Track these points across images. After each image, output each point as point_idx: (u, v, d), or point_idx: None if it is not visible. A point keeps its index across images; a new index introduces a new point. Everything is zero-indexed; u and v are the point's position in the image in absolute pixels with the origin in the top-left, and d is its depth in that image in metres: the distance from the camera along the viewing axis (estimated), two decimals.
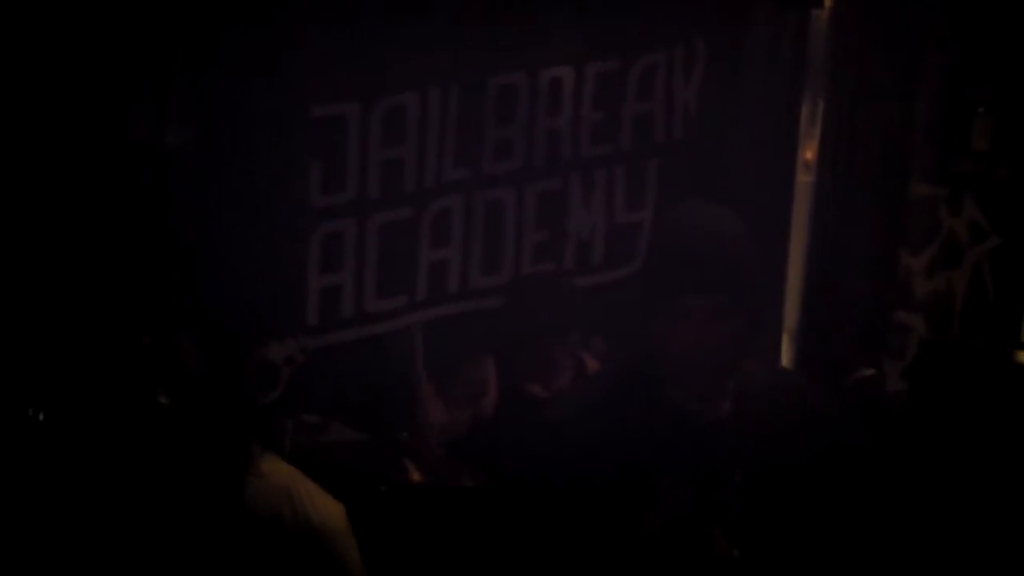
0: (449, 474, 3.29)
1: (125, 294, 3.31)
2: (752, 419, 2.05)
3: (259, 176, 3.66)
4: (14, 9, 3.26)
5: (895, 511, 3.43)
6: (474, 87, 3.97)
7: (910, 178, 5.04)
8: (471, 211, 4.04)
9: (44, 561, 2.05)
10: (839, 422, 2.20)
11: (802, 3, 4.65)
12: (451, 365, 3.83)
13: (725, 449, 2.02)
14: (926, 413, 4.75)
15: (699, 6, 4.38)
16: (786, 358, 4.98)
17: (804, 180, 5.05)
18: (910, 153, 5.02)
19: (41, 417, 2.50)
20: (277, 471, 2.08)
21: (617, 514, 1.95)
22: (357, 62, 3.74)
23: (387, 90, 3.81)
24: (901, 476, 3.84)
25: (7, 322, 3.21)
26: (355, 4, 3.73)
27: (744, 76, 4.50)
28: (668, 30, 4.30)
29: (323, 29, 3.68)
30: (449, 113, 3.94)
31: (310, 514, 2.10)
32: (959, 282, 5.27)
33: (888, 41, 4.88)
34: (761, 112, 4.57)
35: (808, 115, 5.00)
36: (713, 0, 4.42)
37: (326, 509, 2.11)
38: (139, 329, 2.27)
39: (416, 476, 3.09)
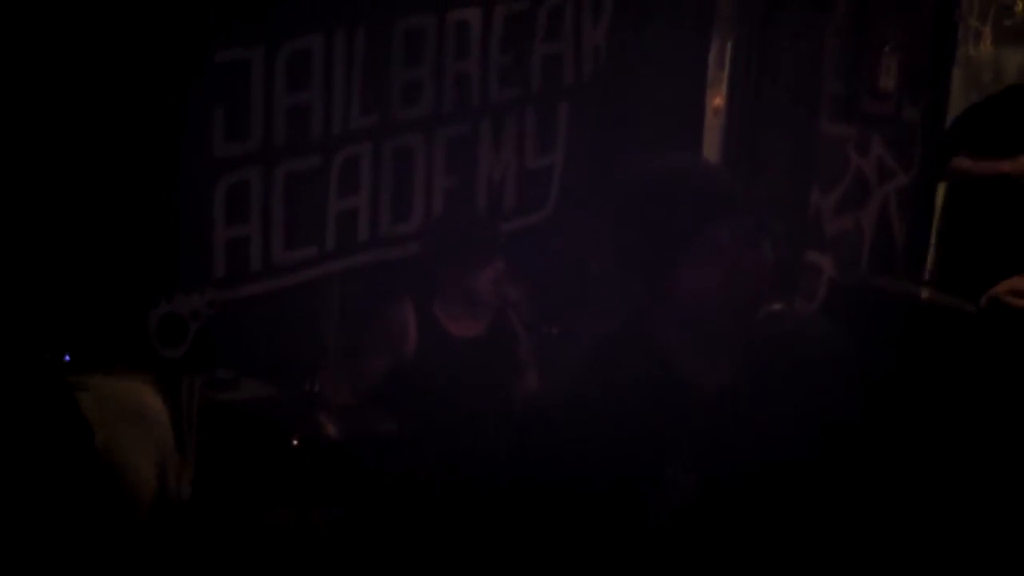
0: (364, 424, 3.25)
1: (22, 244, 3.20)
2: (760, 388, 1.93)
3: (160, 124, 3.54)
4: None
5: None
6: (380, 30, 3.88)
7: (819, 118, 5.07)
8: (380, 158, 3.96)
9: None
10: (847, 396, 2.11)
11: None
12: (368, 310, 3.78)
13: (734, 425, 1.88)
14: (838, 351, 4.78)
15: None
16: None
17: (714, 122, 5.05)
18: (819, 93, 5.04)
19: None
20: (100, 383, 2.02)
21: (620, 502, 1.81)
22: (260, 5, 3.62)
23: (291, 33, 3.71)
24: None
25: None
26: None
27: (653, 16, 4.46)
28: None
29: None
30: (355, 57, 3.85)
31: (123, 403, 2.04)
32: (867, 221, 5.33)
33: None
34: (670, 54, 4.54)
35: (716, 57, 5.00)
36: None
37: (130, 390, 2.07)
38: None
39: (330, 428, 3.04)
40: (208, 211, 3.66)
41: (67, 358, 2.85)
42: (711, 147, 4.96)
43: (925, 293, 4.91)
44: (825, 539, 1.97)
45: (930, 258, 5.41)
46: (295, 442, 2.63)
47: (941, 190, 5.11)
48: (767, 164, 5.01)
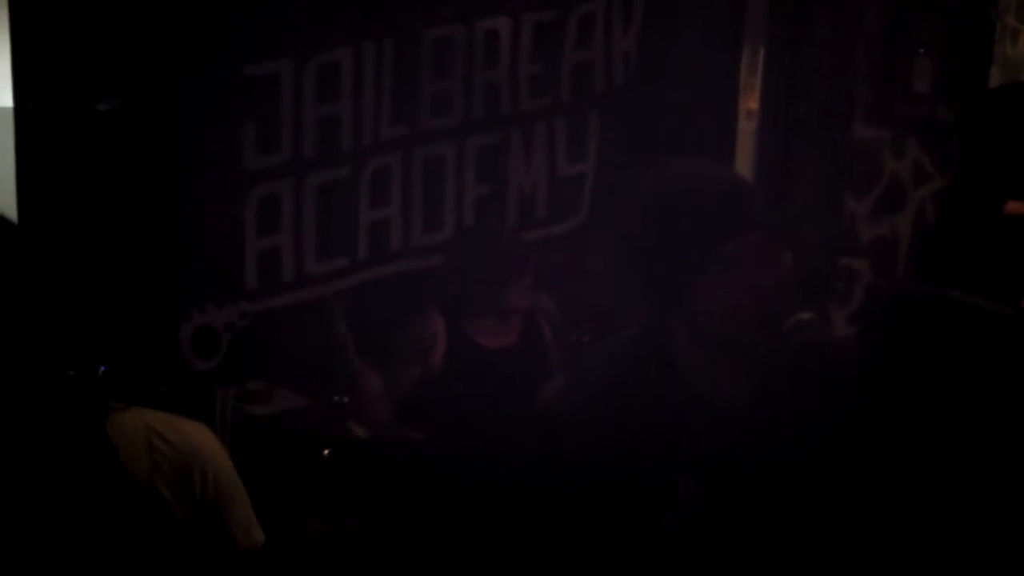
0: (395, 434, 3.25)
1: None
2: (771, 400, 1.91)
3: (192, 138, 3.56)
4: None
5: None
6: (409, 41, 3.88)
7: (853, 122, 5.03)
8: (410, 168, 3.96)
9: None
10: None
11: None
12: (397, 322, 3.77)
13: (749, 436, 1.87)
14: (876, 357, 4.75)
15: None
16: None
17: (747, 128, 5.03)
18: (852, 97, 5.01)
19: None
20: (133, 413, 2.01)
21: (632, 515, 1.82)
22: (289, 18, 3.64)
23: (320, 46, 3.72)
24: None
25: None
26: None
27: (683, 23, 4.44)
28: None
29: None
30: (384, 68, 3.86)
31: (176, 438, 2.02)
32: (903, 225, 5.28)
33: None
34: (701, 60, 4.52)
35: (749, 62, 4.98)
36: None
37: (190, 429, 2.04)
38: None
39: (361, 438, 3.04)
40: (240, 223, 3.67)
41: (103, 369, 2.87)
42: (744, 153, 4.94)
43: (963, 297, 4.86)
44: (839, 551, 1.95)
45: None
46: (326, 452, 2.63)
47: None
48: (801, 170, 4.98)
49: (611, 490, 1.78)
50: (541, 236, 4.20)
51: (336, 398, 2.98)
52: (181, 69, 3.50)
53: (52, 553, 1.83)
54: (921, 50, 5.05)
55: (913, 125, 5.17)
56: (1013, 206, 4.70)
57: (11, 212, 2.69)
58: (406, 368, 3.57)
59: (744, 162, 4.94)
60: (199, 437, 2.02)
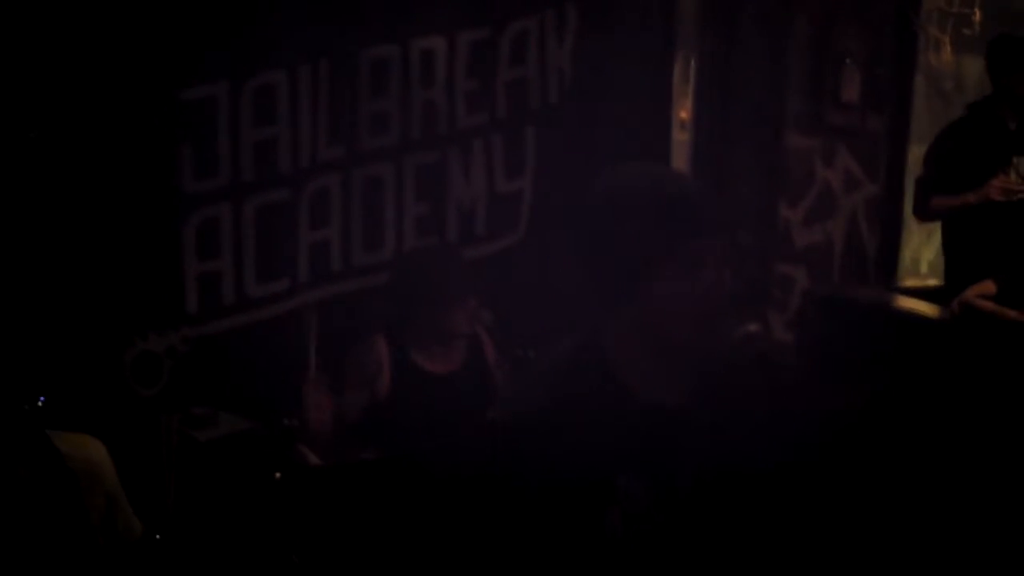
0: (346, 455, 3.24)
1: None
2: (711, 400, 1.93)
3: (128, 164, 3.54)
4: None
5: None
6: (345, 61, 3.89)
7: (784, 131, 5.11)
8: (350, 189, 3.96)
9: None
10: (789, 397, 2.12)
11: None
12: (342, 347, 3.76)
13: (684, 435, 1.89)
14: (812, 362, 4.82)
15: None
16: None
17: (681, 138, 5.09)
18: (783, 107, 5.09)
19: None
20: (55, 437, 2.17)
21: (575, 515, 1.81)
22: (224, 42, 3.63)
23: (256, 69, 3.71)
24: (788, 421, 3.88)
25: None
26: None
27: (616, 38, 4.49)
28: None
29: (187, 9, 3.56)
30: (321, 89, 3.86)
31: (81, 454, 2.21)
32: (836, 231, 5.37)
33: None
34: (635, 72, 4.57)
35: (681, 74, 5.03)
36: None
37: (86, 443, 2.24)
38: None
39: (313, 460, 3.03)
40: (179, 248, 3.66)
41: (41, 401, 2.85)
42: (679, 163, 4.99)
43: (898, 300, 4.95)
44: (781, 551, 1.99)
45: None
46: (278, 475, 2.62)
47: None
48: (735, 178, 5.05)
49: (553, 493, 1.78)
50: (481, 253, 4.22)
51: (286, 421, 2.98)
52: (117, 95, 3.48)
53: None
54: (849, 60, 5.14)
55: (843, 133, 5.26)
56: (938, 201, 4.80)
57: None
58: (352, 393, 3.55)
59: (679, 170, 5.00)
60: (95, 449, 2.23)
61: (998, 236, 4.58)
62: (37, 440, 1.97)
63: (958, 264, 4.84)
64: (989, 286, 3.95)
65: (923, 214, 4.99)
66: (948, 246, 4.99)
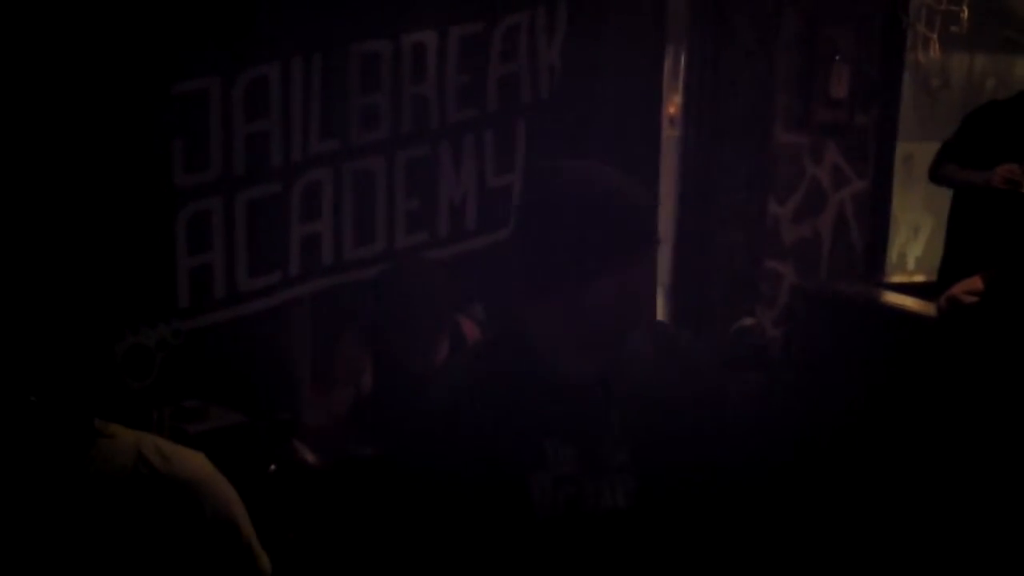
0: (339, 448, 3.24)
1: None
2: (629, 371, 2.04)
3: (119, 157, 3.54)
4: None
5: (776, 451, 3.50)
6: (336, 56, 3.90)
7: (773, 128, 5.13)
8: (341, 182, 3.97)
9: None
10: (712, 367, 2.22)
11: None
12: (329, 342, 3.77)
13: (604, 406, 2.01)
14: (800, 356, 4.85)
15: None
16: (661, 311, 5.04)
17: (670, 134, 5.10)
18: (772, 103, 5.11)
19: None
20: (125, 432, 2.03)
21: (505, 481, 1.92)
22: (216, 36, 3.63)
23: (248, 62, 3.72)
24: (782, 416, 3.91)
25: None
26: None
27: (606, 34, 4.50)
28: None
29: (180, 3, 3.56)
30: (312, 83, 3.86)
31: (167, 465, 2.03)
32: (825, 228, 5.39)
33: None
34: (625, 68, 4.58)
35: (671, 70, 5.05)
36: None
37: (183, 457, 2.05)
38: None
39: (307, 454, 3.04)
40: (170, 242, 3.66)
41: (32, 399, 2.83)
42: (668, 159, 5.01)
43: (886, 296, 4.98)
44: (714, 519, 2.10)
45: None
46: (272, 468, 2.63)
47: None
48: (724, 175, 5.06)
49: (485, 459, 1.88)
50: (471, 248, 4.23)
51: (281, 415, 2.98)
52: (109, 88, 3.48)
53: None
54: (838, 57, 5.17)
55: (831, 130, 5.29)
56: (950, 168, 4.82)
57: None
58: (340, 388, 3.55)
59: (668, 168, 5.01)
60: (191, 466, 2.02)
61: (996, 231, 4.60)
62: (70, 433, 1.94)
63: (956, 258, 4.86)
64: (976, 283, 3.97)
65: (933, 176, 5.01)
66: (950, 234, 5.01)
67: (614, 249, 1.88)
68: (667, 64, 4.94)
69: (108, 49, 3.48)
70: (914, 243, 6.18)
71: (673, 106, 5.18)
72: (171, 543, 1.97)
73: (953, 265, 4.79)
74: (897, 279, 5.73)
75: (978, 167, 4.73)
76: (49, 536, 1.92)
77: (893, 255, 5.92)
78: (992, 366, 3.75)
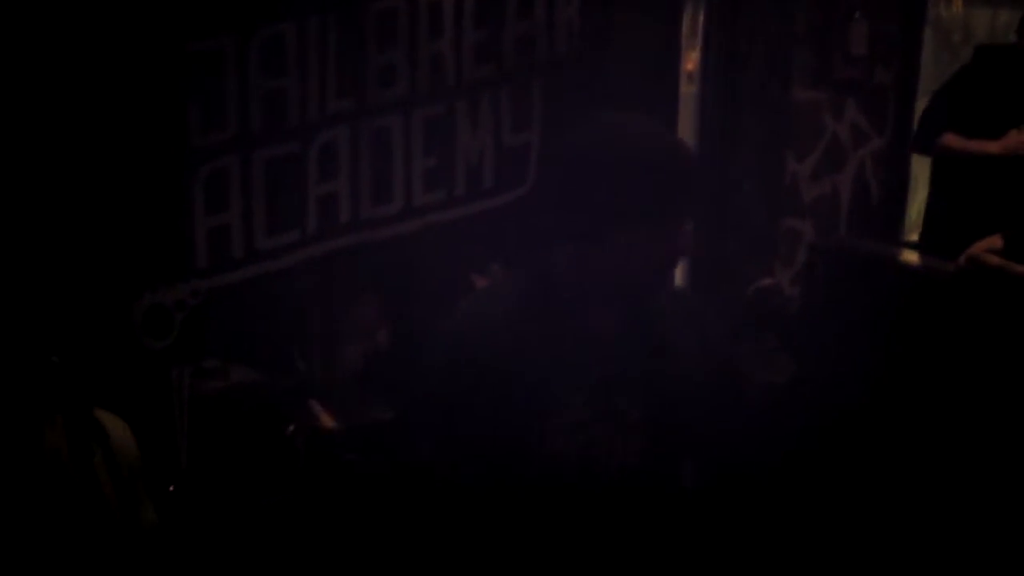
0: (357, 408, 3.26)
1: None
2: (649, 333, 2.05)
3: (135, 116, 3.53)
4: None
5: (793, 416, 3.50)
6: (353, 13, 3.87)
7: (792, 85, 5.10)
8: (358, 141, 3.96)
9: None
10: (727, 336, 2.23)
11: None
12: (346, 300, 3.78)
13: (620, 359, 2.02)
14: (819, 315, 4.83)
15: None
16: (680, 269, 5.04)
17: (688, 91, 5.07)
18: (791, 60, 5.07)
19: None
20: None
21: (520, 425, 1.94)
22: None
23: (263, 20, 3.70)
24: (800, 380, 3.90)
25: None
26: None
27: None
28: None
29: None
30: (329, 42, 3.85)
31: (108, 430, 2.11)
32: (844, 185, 5.37)
33: None
34: (643, 25, 4.55)
35: (689, 26, 5.01)
36: None
37: (112, 422, 2.14)
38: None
39: (324, 416, 3.05)
40: (188, 201, 3.66)
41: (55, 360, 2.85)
42: (686, 117, 4.98)
43: (904, 254, 4.96)
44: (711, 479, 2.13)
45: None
46: (291, 428, 2.64)
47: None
48: (742, 132, 5.04)
49: (501, 397, 1.93)
50: (489, 206, 4.22)
51: (298, 374, 2.99)
52: (123, 48, 3.47)
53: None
54: (857, 13, 5.12)
55: (851, 87, 5.25)
56: (952, 140, 4.71)
57: None
58: (349, 348, 3.57)
59: (686, 125, 4.99)
60: (117, 427, 2.14)
61: (997, 189, 4.56)
62: (70, 399, 1.96)
63: (947, 214, 4.81)
64: (996, 240, 3.95)
65: (924, 148, 4.88)
66: (937, 194, 4.95)
67: (656, 200, 1.89)
68: (685, 21, 4.91)
69: (122, 8, 3.46)
70: None
71: (691, 63, 5.14)
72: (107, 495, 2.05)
73: (940, 223, 4.74)
74: (916, 237, 5.70)
75: (973, 131, 4.62)
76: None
77: (912, 212, 5.89)
78: (1011, 325, 3.74)
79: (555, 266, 2.00)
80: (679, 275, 4.97)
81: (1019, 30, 4.60)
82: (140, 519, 2.19)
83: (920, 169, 5.75)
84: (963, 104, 4.68)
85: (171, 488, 2.69)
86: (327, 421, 2.98)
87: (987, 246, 3.98)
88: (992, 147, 4.61)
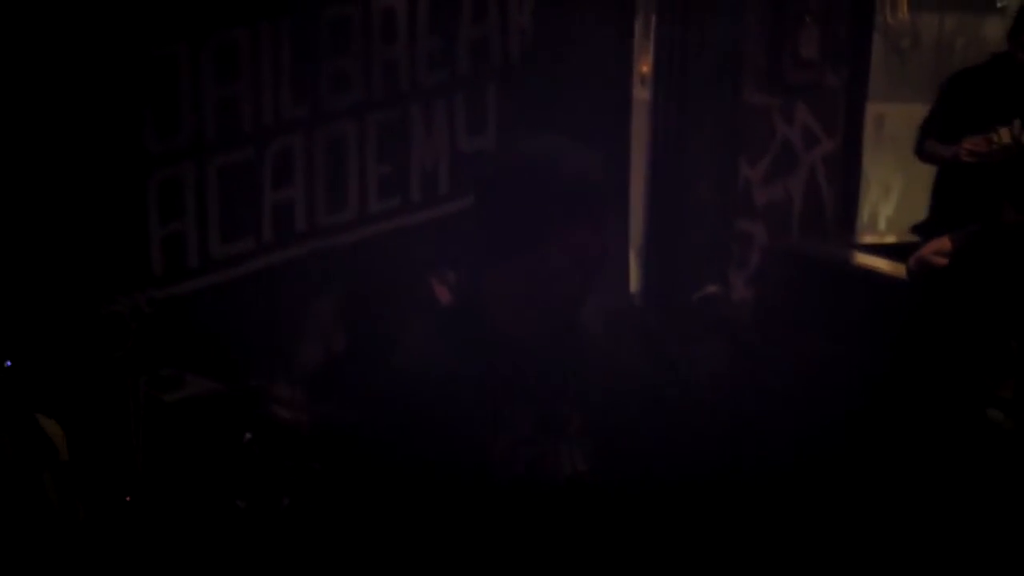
0: (315, 414, 3.25)
1: None
2: (591, 341, 2.09)
3: (89, 123, 3.52)
4: None
5: (747, 419, 3.53)
6: (306, 19, 3.87)
7: (744, 88, 5.13)
8: (312, 148, 3.96)
9: None
10: (668, 337, 2.27)
11: None
12: (301, 304, 3.78)
13: (563, 373, 2.05)
14: (772, 318, 4.88)
15: None
16: (634, 272, 5.06)
17: (642, 96, 5.10)
18: (742, 64, 5.11)
19: None
20: None
21: (463, 444, 1.96)
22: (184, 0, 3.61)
23: (217, 27, 3.69)
24: (752, 381, 3.94)
25: None
26: None
27: None
28: None
29: None
30: (282, 48, 3.84)
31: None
32: (796, 188, 5.41)
33: None
34: (596, 30, 4.58)
35: (641, 30, 5.04)
36: None
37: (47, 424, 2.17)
38: None
39: (281, 420, 3.05)
40: (143, 209, 3.65)
41: (8, 364, 2.84)
42: (640, 121, 5.01)
43: (856, 256, 5.00)
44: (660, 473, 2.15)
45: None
46: (248, 435, 2.64)
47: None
48: (695, 135, 5.07)
49: (444, 425, 1.94)
50: (444, 212, 4.23)
51: (254, 383, 2.99)
52: (79, 55, 3.45)
53: None
54: (808, 17, 5.17)
55: (802, 90, 5.29)
56: (930, 145, 4.79)
57: None
58: (307, 347, 3.56)
59: (639, 128, 5.02)
60: (49, 426, 2.15)
61: (968, 190, 4.61)
62: (15, 405, 1.97)
63: (939, 214, 4.87)
64: (945, 243, 4.01)
65: (919, 153, 4.98)
66: (934, 195, 5.02)
67: (560, 217, 1.94)
68: (638, 25, 4.93)
69: (78, 14, 3.45)
70: (885, 203, 6.21)
71: (645, 65, 5.18)
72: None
73: (937, 228, 4.81)
74: (868, 239, 5.76)
75: (958, 137, 4.71)
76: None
77: (864, 215, 5.95)
78: (961, 326, 3.79)
79: (485, 289, 2.05)
80: (632, 279, 5.00)
81: (1010, 38, 4.66)
82: (76, 516, 2.22)
83: (872, 172, 5.82)
84: (955, 107, 4.77)
85: (127, 498, 2.68)
86: (284, 413, 2.98)
87: (936, 248, 4.03)
88: (945, 152, 4.70)
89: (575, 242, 1.97)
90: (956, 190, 4.75)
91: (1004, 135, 4.58)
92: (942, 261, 3.97)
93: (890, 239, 5.69)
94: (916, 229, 4.80)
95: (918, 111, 4.96)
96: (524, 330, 2.02)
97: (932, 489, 3.55)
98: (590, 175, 2.01)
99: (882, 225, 6.26)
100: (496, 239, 1.99)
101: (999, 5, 6.00)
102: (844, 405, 3.91)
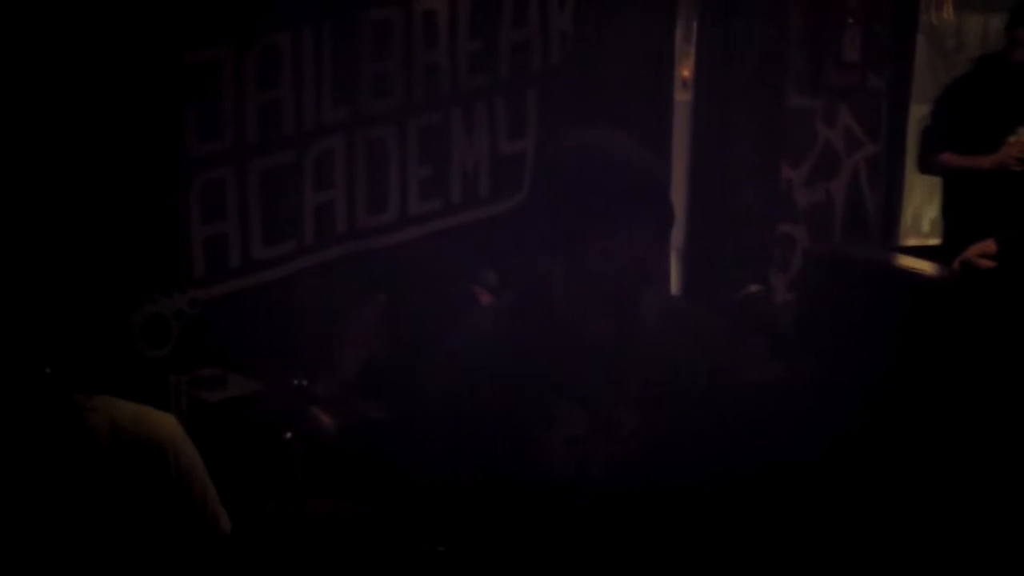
0: (356, 414, 3.27)
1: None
2: (645, 341, 2.07)
3: (133, 127, 3.55)
4: None
5: (789, 421, 3.51)
6: (348, 23, 3.90)
7: (786, 91, 5.11)
8: (353, 151, 3.98)
9: None
10: (728, 343, 2.25)
11: None
12: (342, 307, 3.80)
13: (618, 370, 2.04)
14: (815, 322, 4.84)
15: None
16: (675, 275, 5.05)
17: (683, 99, 5.09)
18: (784, 67, 5.09)
19: None
20: (100, 400, 2.09)
21: (518, 439, 1.96)
22: (228, 4, 3.64)
23: (260, 31, 3.72)
24: (795, 385, 3.92)
25: None
26: None
27: None
28: None
29: None
30: (324, 51, 3.87)
31: (138, 429, 2.09)
32: (838, 191, 5.38)
33: None
34: (637, 33, 4.57)
35: (682, 33, 5.03)
36: None
37: (152, 420, 2.13)
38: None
39: (323, 420, 3.06)
40: (185, 211, 3.68)
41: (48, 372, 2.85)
42: (680, 124, 5.00)
43: (899, 259, 4.96)
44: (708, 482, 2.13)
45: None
46: (288, 435, 2.65)
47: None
48: (737, 138, 5.05)
49: (501, 421, 1.96)
50: (484, 215, 4.24)
51: (296, 382, 3.00)
52: (122, 59, 3.49)
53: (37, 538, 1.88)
54: (850, 19, 5.14)
55: (844, 93, 5.27)
56: (949, 158, 4.74)
57: None
58: (349, 350, 3.58)
59: (681, 132, 5.00)
60: (165, 430, 2.10)
61: (1001, 196, 4.58)
62: (63, 407, 1.97)
63: (958, 223, 4.84)
64: (990, 245, 3.97)
65: (927, 168, 4.93)
66: (948, 205, 4.98)
67: (615, 212, 1.94)
68: (679, 28, 4.92)
69: (120, 19, 3.48)
70: (928, 206, 6.15)
71: (687, 70, 5.16)
72: (141, 503, 2.04)
73: (957, 229, 4.77)
74: (912, 242, 5.72)
75: (969, 147, 4.66)
76: (45, 508, 1.96)
77: (907, 218, 5.90)
78: (1007, 329, 3.75)
79: (544, 278, 2.04)
80: (674, 280, 4.99)
81: (1007, 39, 4.62)
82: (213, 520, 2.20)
83: (915, 175, 5.77)
84: (959, 116, 4.71)
85: None
86: (324, 423, 2.99)
87: (980, 251, 4.00)
88: (984, 162, 4.64)
89: (629, 237, 1.95)
90: (979, 201, 4.69)
91: None
92: (988, 264, 3.94)
93: (933, 241, 5.65)
94: (936, 255, 4.75)
95: None
96: (583, 323, 2.02)
97: (977, 490, 3.51)
98: (644, 169, 2.00)
99: (925, 227, 6.20)
100: (550, 230, 1.98)
101: None
102: (883, 407, 3.88)
